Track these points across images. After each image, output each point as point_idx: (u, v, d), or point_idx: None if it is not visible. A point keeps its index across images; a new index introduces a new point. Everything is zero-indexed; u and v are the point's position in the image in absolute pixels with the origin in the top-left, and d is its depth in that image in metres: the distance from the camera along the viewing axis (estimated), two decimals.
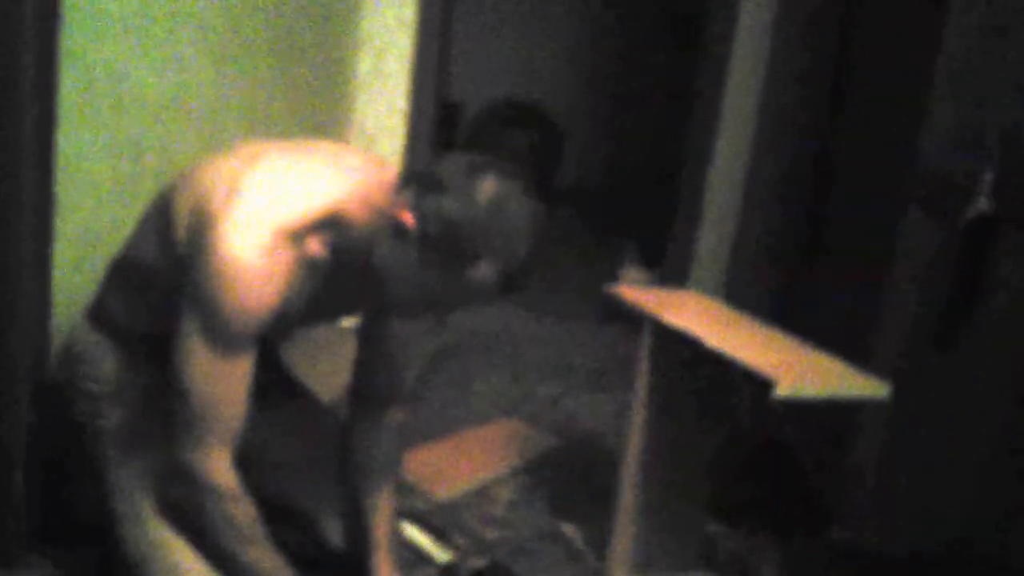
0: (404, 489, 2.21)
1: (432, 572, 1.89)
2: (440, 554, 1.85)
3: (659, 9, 5.81)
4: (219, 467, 1.41)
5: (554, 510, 2.25)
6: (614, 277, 4.15)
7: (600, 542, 2.07)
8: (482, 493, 2.28)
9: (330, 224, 1.39)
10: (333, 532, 1.75)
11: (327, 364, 2.66)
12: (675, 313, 1.90)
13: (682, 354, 1.86)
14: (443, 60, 3.49)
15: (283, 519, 1.78)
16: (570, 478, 2.43)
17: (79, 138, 1.73)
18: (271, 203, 1.35)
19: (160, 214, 1.49)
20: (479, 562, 1.87)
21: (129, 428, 1.58)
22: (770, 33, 3.23)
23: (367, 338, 1.70)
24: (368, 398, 1.72)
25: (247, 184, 1.36)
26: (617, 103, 6.03)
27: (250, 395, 1.43)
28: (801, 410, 2.40)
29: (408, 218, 1.32)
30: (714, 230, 3.42)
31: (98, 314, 1.62)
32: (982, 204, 1.79)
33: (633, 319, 1.95)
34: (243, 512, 1.44)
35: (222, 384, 1.38)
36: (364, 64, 3.27)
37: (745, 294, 3.27)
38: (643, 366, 1.92)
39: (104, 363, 1.60)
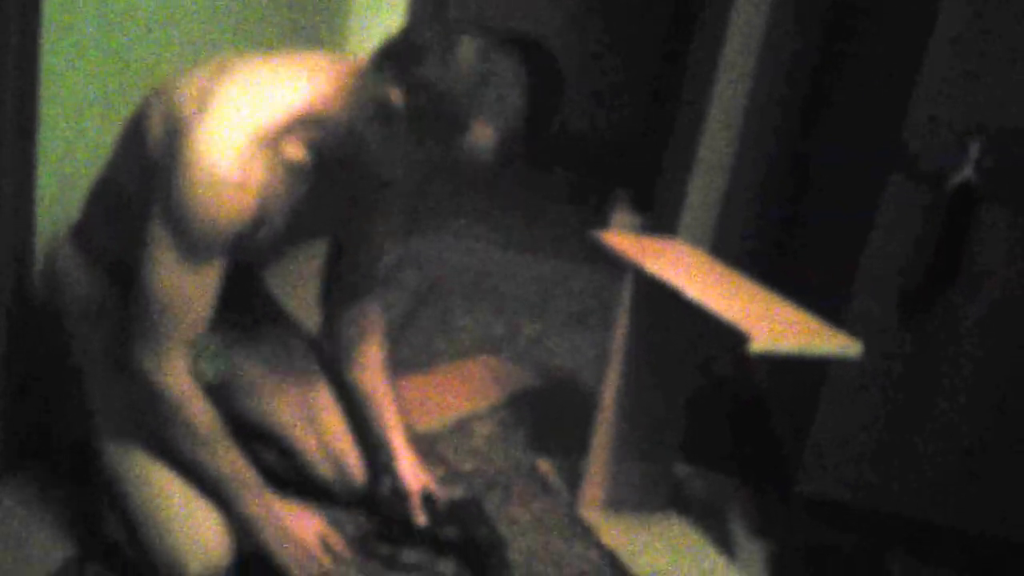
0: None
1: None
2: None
3: None
4: (176, 372, 1.41)
5: (531, 446, 2.30)
6: (604, 219, 4.16)
7: (574, 479, 2.13)
8: (461, 426, 2.33)
9: (307, 124, 1.37)
10: (313, 460, 1.80)
11: (311, 295, 2.69)
12: (657, 262, 1.93)
13: (662, 302, 1.89)
14: None
15: (264, 442, 1.83)
16: (548, 416, 2.48)
17: (63, 54, 1.69)
18: (244, 109, 1.33)
19: (134, 133, 1.47)
20: (456, 492, 1.90)
21: (112, 348, 1.58)
22: None
23: (338, 241, 1.73)
24: (344, 294, 1.76)
25: (219, 92, 1.34)
26: (618, 46, 5.98)
27: (214, 306, 1.42)
28: (777, 363, 2.45)
29: (394, 95, 1.29)
30: (705, 179, 3.43)
31: (81, 236, 1.62)
32: (967, 173, 1.81)
33: (618, 263, 1.98)
34: (201, 416, 1.44)
35: (187, 291, 1.38)
36: None
37: (733, 243, 3.30)
38: (622, 311, 1.95)
39: (88, 285, 1.60)
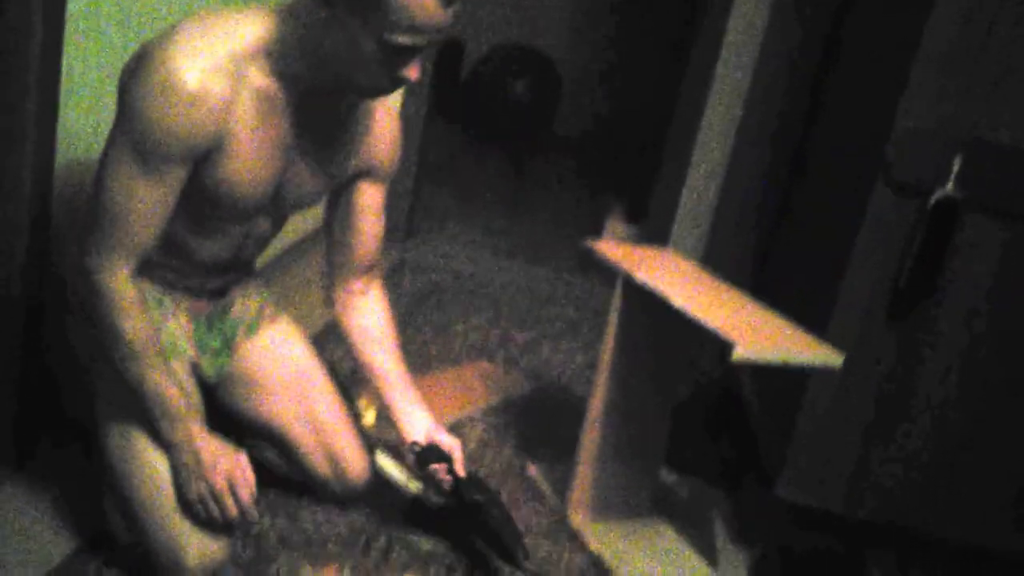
0: (381, 420, 2.31)
1: (403, 501, 1.98)
2: (411, 485, 1.93)
3: None
4: (119, 276, 1.45)
5: (522, 450, 2.35)
6: (599, 227, 4.22)
7: (563, 485, 2.17)
8: (454, 429, 2.37)
9: (266, 52, 1.44)
10: (311, 458, 1.84)
11: (307, 299, 2.74)
12: (647, 271, 1.98)
13: (651, 310, 1.94)
14: None
15: (260, 437, 1.87)
16: (539, 421, 2.52)
17: (85, 59, 1.75)
18: (206, 36, 1.40)
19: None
20: (476, 497, 1.87)
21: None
22: (767, 5, 3.28)
23: (336, 213, 1.78)
24: (345, 269, 1.81)
25: (180, 25, 1.42)
26: (614, 57, 6.04)
27: (165, 220, 1.47)
28: (761, 372, 2.50)
29: None
30: (697, 191, 3.49)
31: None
32: (949, 189, 1.86)
33: (610, 271, 2.03)
34: (136, 328, 1.47)
35: (138, 199, 1.42)
36: None
37: (724, 254, 3.35)
38: (613, 320, 2.00)
39: None
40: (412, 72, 1.42)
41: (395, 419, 1.85)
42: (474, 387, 2.63)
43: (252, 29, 1.44)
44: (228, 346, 1.80)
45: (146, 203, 1.43)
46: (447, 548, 1.91)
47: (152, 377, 1.50)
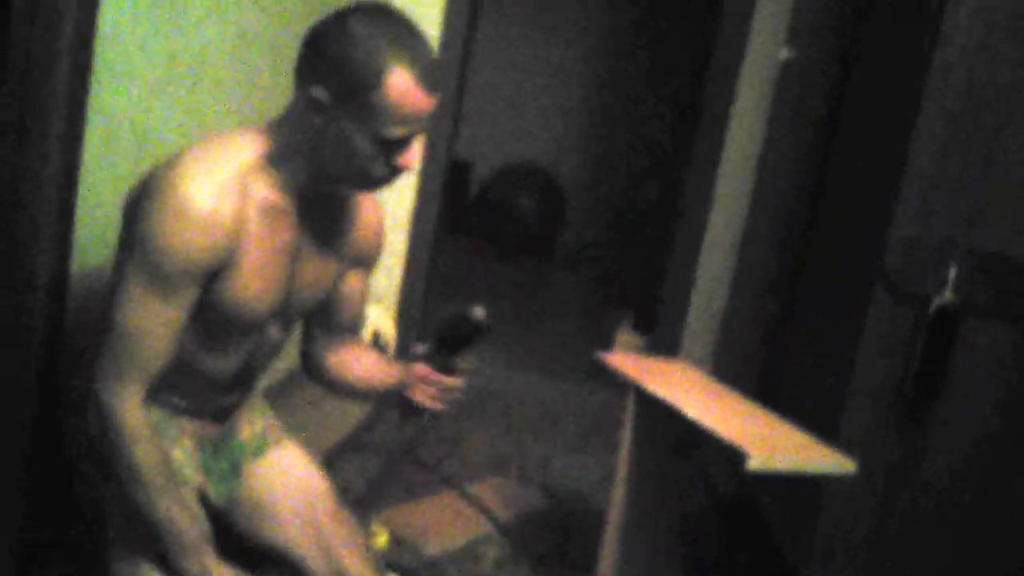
0: (394, 543, 2.27)
1: None
2: None
3: (661, 89, 5.96)
4: (131, 404, 1.45)
5: (539, 568, 2.31)
6: (609, 338, 4.23)
7: None
8: (469, 549, 2.34)
9: (268, 164, 1.47)
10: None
11: (313, 420, 2.74)
12: (659, 382, 1.98)
13: (664, 421, 1.94)
14: (455, 120, 3.60)
15: (270, 561, 1.84)
16: (556, 537, 2.48)
17: (100, 189, 1.80)
18: (211, 156, 1.44)
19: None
20: None
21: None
22: (767, 107, 3.36)
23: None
24: (328, 334, 1.79)
25: (187, 150, 1.45)
26: (621, 169, 6.15)
27: (176, 340, 1.47)
28: (775, 480, 2.47)
29: (316, 90, 1.40)
30: (705, 301, 3.51)
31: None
32: (947, 296, 1.89)
33: (622, 383, 2.02)
34: (147, 456, 1.46)
35: (151, 323, 1.43)
36: None
37: (733, 363, 3.35)
38: (626, 432, 1.99)
39: None
40: (409, 159, 1.47)
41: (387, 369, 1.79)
42: (489, 505, 2.60)
43: (253, 145, 1.48)
44: (236, 470, 1.78)
45: (159, 326, 1.45)
46: None
47: (163, 505, 1.49)
